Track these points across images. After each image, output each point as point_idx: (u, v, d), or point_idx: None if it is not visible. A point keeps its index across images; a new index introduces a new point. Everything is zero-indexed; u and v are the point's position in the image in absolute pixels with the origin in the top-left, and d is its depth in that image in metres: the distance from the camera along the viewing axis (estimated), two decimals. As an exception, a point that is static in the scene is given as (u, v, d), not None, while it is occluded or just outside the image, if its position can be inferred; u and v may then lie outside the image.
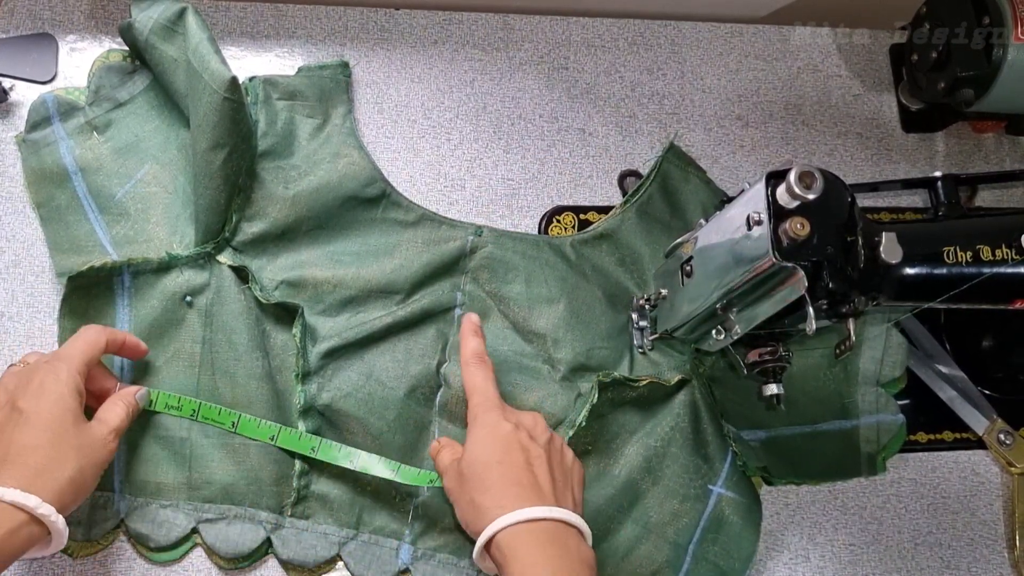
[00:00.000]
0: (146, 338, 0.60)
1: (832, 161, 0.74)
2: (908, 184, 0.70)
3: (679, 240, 0.60)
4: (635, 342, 0.65)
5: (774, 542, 0.65)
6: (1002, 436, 0.67)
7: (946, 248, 0.53)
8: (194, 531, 0.59)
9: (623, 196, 0.70)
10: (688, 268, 0.58)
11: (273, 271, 0.62)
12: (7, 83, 0.65)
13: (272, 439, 0.59)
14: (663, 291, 0.61)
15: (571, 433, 0.60)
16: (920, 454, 0.69)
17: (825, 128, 0.75)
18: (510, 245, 0.65)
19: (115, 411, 0.55)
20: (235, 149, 0.60)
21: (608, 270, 0.67)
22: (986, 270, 0.52)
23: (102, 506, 0.58)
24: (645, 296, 0.65)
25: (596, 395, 0.60)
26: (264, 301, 0.60)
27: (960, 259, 0.52)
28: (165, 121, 0.65)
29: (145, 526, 0.58)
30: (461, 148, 0.70)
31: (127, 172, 0.63)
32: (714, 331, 0.56)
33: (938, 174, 0.68)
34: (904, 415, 0.66)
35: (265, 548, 0.59)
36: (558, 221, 0.69)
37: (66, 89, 0.65)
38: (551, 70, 0.73)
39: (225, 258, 0.62)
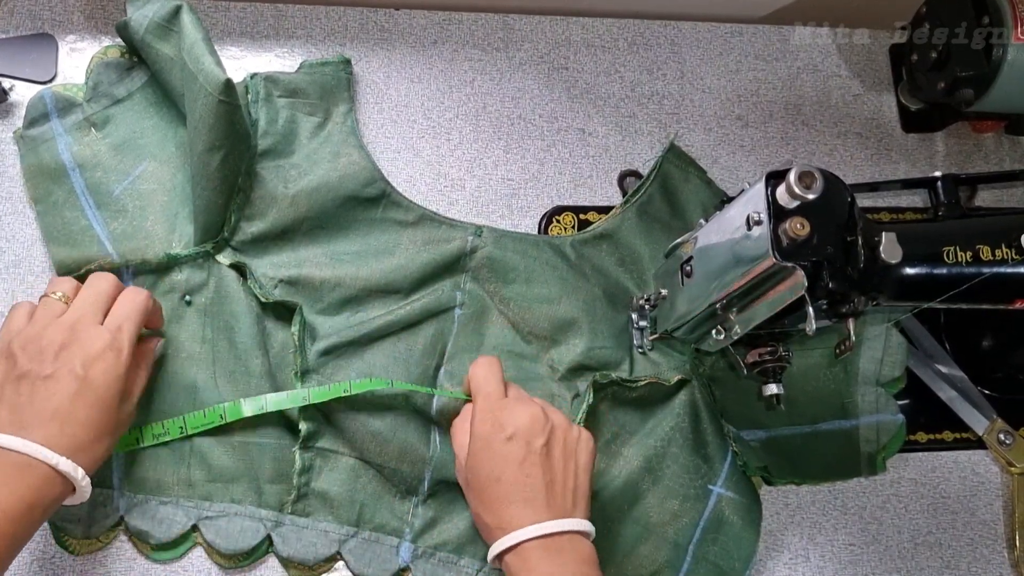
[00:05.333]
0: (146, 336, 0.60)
1: (832, 161, 0.74)
2: (908, 184, 0.70)
3: (679, 240, 0.60)
4: (635, 342, 0.65)
5: (774, 542, 0.65)
6: (1002, 436, 0.67)
7: (946, 248, 0.53)
8: (194, 528, 0.59)
9: (623, 196, 0.70)
10: (688, 268, 0.58)
11: (272, 270, 0.62)
12: (7, 83, 0.65)
13: (262, 408, 0.59)
14: (663, 291, 0.61)
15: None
16: (920, 454, 0.69)
17: (825, 128, 0.75)
18: (510, 245, 0.65)
19: (139, 381, 0.56)
20: (231, 151, 0.60)
21: (608, 270, 0.67)
22: (986, 270, 0.52)
23: (101, 503, 0.58)
24: (645, 296, 0.65)
25: (592, 396, 0.61)
26: (264, 300, 0.60)
27: (960, 259, 0.52)
28: (164, 118, 0.65)
29: (145, 523, 0.58)
30: (461, 148, 0.70)
31: (125, 169, 0.63)
32: (714, 331, 0.56)
33: (938, 174, 0.68)
34: (904, 415, 0.66)
35: (266, 546, 0.59)
36: (558, 221, 0.69)
37: (64, 85, 0.65)
38: (551, 70, 0.73)
39: (224, 258, 0.62)
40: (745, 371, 0.59)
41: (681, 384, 0.63)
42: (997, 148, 0.77)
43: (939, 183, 0.67)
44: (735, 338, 0.55)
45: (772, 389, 0.58)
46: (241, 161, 0.61)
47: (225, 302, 0.61)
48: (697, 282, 0.56)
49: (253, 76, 0.65)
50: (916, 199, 0.74)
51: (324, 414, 0.60)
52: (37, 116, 0.63)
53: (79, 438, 0.51)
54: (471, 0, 0.73)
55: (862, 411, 0.66)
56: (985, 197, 0.74)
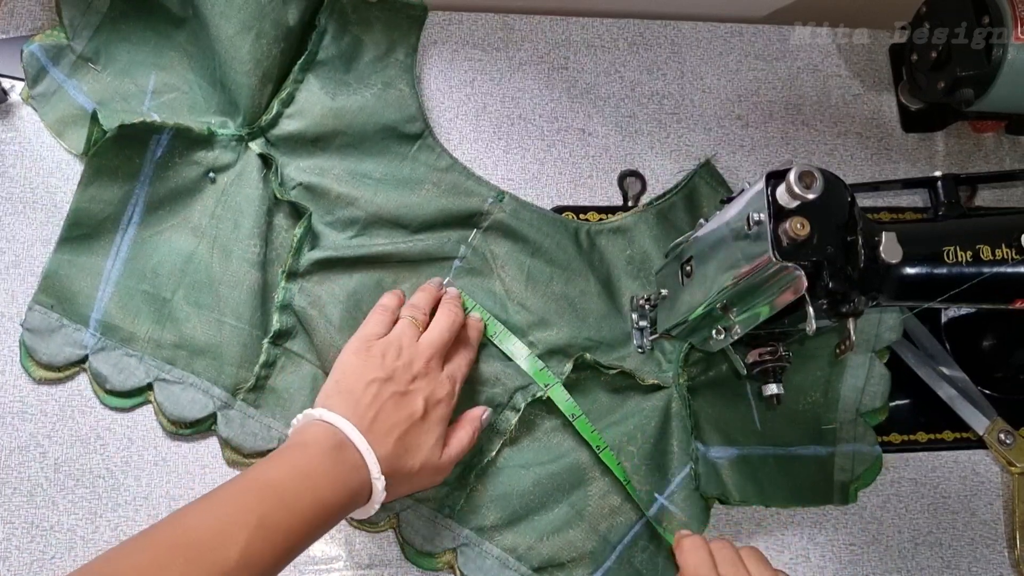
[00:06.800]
0: (161, 200, 0.63)
1: (832, 161, 0.74)
2: (908, 184, 0.70)
3: (679, 240, 0.60)
4: (635, 342, 0.65)
5: (775, 542, 0.65)
6: (1002, 436, 0.67)
7: (946, 248, 0.52)
8: (150, 387, 0.60)
9: (623, 196, 0.70)
10: (688, 268, 0.58)
11: (296, 172, 0.64)
12: (7, 83, 0.65)
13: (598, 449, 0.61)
14: (663, 291, 0.61)
15: (530, 399, 0.61)
16: (920, 454, 0.69)
17: (825, 128, 0.75)
18: (527, 217, 0.66)
19: (462, 439, 0.58)
20: (262, 33, 0.62)
21: (615, 263, 0.67)
22: (986, 270, 0.52)
23: (72, 337, 0.60)
24: (645, 296, 0.65)
25: (571, 367, 0.62)
26: (279, 196, 0.62)
27: (960, 259, 0.52)
28: (148, 28, 0.66)
29: (107, 368, 0.60)
30: (461, 148, 0.70)
31: (139, 89, 0.65)
32: (714, 331, 0.56)
33: (938, 174, 0.67)
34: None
35: (210, 423, 0.61)
36: (558, 221, 0.69)
37: (45, 33, 0.65)
38: (551, 70, 0.73)
39: (256, 146, 0.64)
40: (745, 371, 0.59)
41: (657, 388, 0.63)
42: (997, 148, 0.77)
43: (939, 183, 0.67)
44: (735, 338, 0.55)
45: (772, 389, 0.58)
46: (273, 46, 0.63)
47: (243, 187, 0.63)
48: (697, 282, 0.56)
49: None
50: (916, 199, 0.74)
51: (300, 320, 0.62)
52: (36, 72, 0.64)
53: (400, 462, 0.53)
54: (471, 0, 0.73)
55: (840, 439, 0.65)
56: (985, 197, 0.75)
